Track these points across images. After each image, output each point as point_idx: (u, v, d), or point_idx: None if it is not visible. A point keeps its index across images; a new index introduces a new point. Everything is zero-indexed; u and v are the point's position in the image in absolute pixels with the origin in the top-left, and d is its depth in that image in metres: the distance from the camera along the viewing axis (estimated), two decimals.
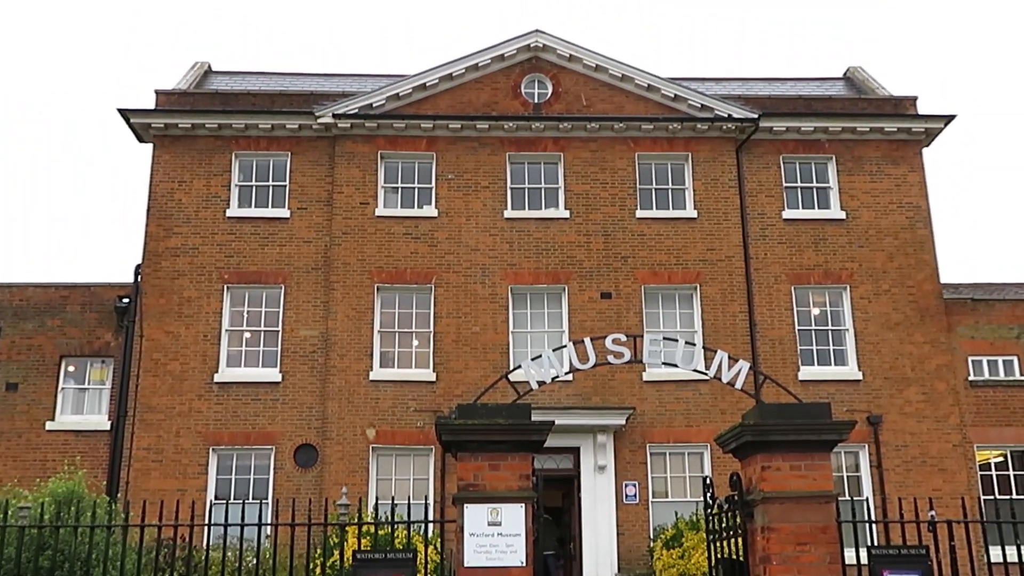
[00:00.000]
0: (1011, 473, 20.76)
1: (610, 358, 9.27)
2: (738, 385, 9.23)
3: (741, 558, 8.70)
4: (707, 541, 9.44)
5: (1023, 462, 20.94)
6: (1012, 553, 8.81)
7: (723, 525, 9.11)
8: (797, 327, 21.51)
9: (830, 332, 21.66)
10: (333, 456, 20.15)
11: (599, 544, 19.83)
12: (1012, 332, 21.58)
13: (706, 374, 9.29)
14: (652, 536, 19.42)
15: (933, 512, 9.06)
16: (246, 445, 20.38)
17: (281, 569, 12.44)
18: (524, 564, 8.23)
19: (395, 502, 9.13)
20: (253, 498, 19.59)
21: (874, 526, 18.55)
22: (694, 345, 9.44)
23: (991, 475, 20.81)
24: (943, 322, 21.52)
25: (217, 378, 20.74)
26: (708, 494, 9.31)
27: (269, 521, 15.40)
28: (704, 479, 9.53)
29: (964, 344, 21.48)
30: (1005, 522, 9.12)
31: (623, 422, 20.25)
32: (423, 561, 8.81)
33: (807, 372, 20.95)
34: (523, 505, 8.36)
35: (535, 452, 8.65)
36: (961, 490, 18.56)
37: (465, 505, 8.38)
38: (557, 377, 9.39)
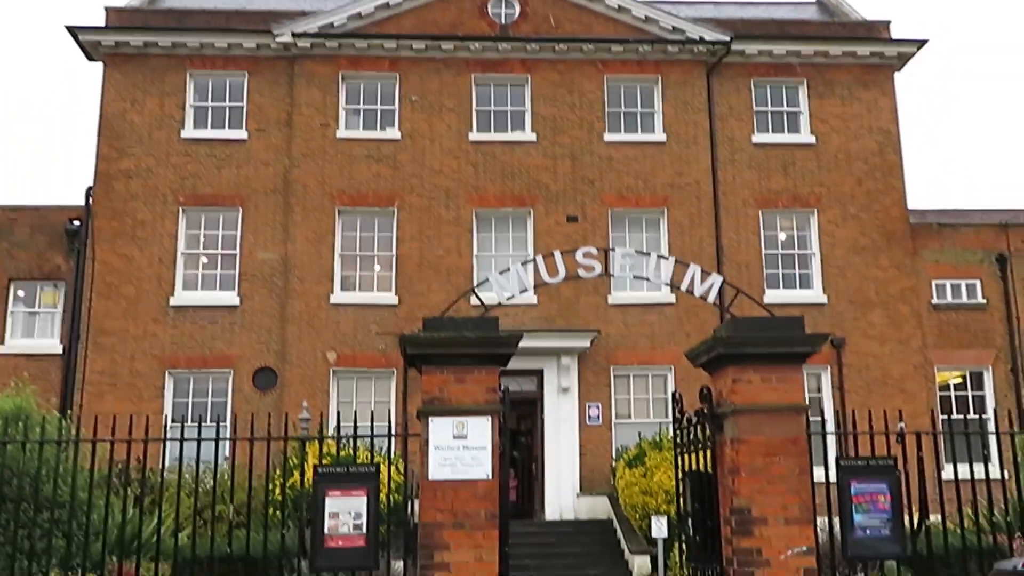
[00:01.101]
0: (969, 394, 21.03)
1: (580, 272, 9.00)
2: (710, 299, 9.02)
3: (709, 471, 8.58)
4: (675, 455, 9.31)
5: (981, 383, 21.21)
6: (976, 471, 8.78)
7: (691, 438, 8.98)
8: (764, 251, 21.43)
9: (796, 256, 21.61)
10: (293, 379, 19.90)
11: (561, 465, 19.87)
12: (976, 256, 21.65)
13: (678, 287, 9.06)
14: (615, 456, 19.48)
15: (902, 424, 9.00)
16: (203, 368, 20.06)
17: (240, 489, 12.21)
18: (490, 477, 8.04)
19: (357, 419, 8.85)
20: (211, 421, 19.25)
21: (838, 445, 18.68)
22: (666, 258, 9.19)
23: (950, 396, 21.07)
24: (909, 246, 21.54)
25: (173, 302, 20.31)
26: (676, 408, 9.17)
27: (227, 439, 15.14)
28: (673, 393, 9.38)
29: (929, 268, 21.55)
30: (972, 433, 9.10)
31: (587, 345, 20.15)
32: (385, 479, 8.61)
33: (773, 296, 20.86)
34: (489, 418, 8.14)
35: (502, 366, 8.41)
36: (921, 411, 18.68)
37: (430, 418, 8.15)
38: (525, 291, 9.13)
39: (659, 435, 18.25)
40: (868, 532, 8.19)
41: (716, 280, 8.98)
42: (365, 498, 8.16)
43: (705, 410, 8.68)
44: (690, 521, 8.74)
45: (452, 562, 7.86)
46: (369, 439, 8.90)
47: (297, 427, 17.68)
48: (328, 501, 8.14)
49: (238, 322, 20.35)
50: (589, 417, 20.20)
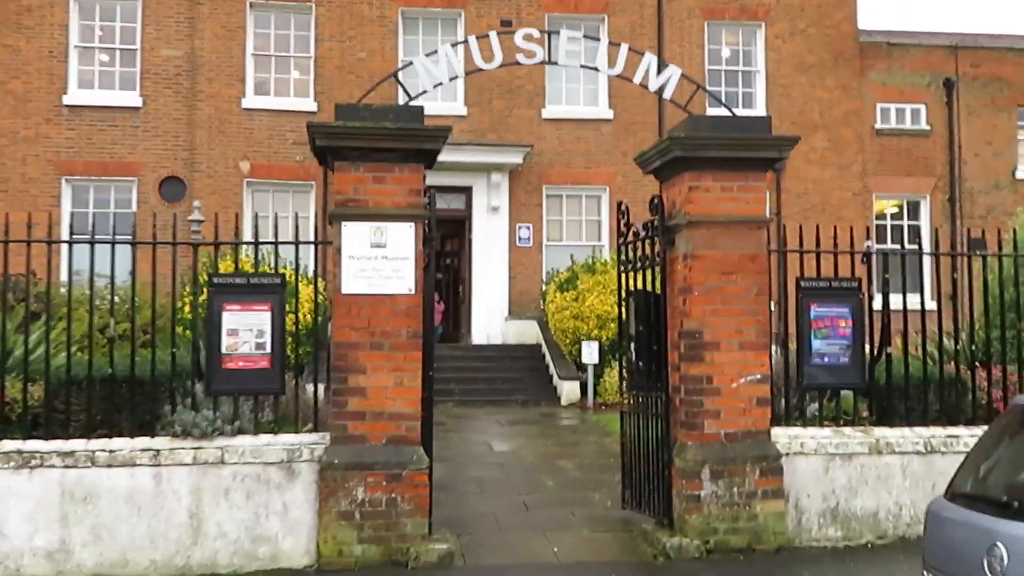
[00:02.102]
0: (905, 223, 20.63)
1: (519, 57, 7.78)
2: (667, 94, 7.93)
3: (657, 291, 7.72)
4: (618, 272, 8.43)
5: (917, 212, 20.81)
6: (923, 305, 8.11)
7: (638, 255, 8.07)
8: (707, 67, 20.24)
9: (740, 73, 20.47)
10: (203, 190, 18.45)
11: (490, 288, 19.10)
12: (924, 79, 20.81)
13: (630, 79, 7.92)
14: (545, 280, 18.75)
15: (870, 242, 8.25)
16: (104, 176, 18.47)
17: (145, 306, 11.11)
18: (412, 291, 7.05)
19: (257, 224, 7.72)
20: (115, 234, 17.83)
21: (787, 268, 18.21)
22: (617, 45, 7.99)
23: (886, 224, 20.67)
24: (856, 66, 20.55)
25: (67, 100, 18.43)
26: (622, 220, 8.20)
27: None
28: (619, 204, 8.39)
29: (875, 90, 20.68)
30: (956, 254, 8.41)
31: (520, 161, 19.02)
32: (295, 295, 7.58)
33: (714, 114, 19.81)
34: (412, 225, 7.08)
35: (427, 165, 7.28)
36: (859, 239, 18.19)
37: (343, 223, 7.05)
38: (455, 78, 7.90)
39: (592, 258, 17.49)
40: (826, 360, 7.51)
41: (674, 73, 7.87)
42: (269, 314, 7.14)
43: (656, 222, 7.73)
44: (633, 346, 7.94)
45: (369, 387, 6.95)
46: (274, 247, 7.81)
47: (190, 228, 16.36)
48: (226, 316, 7.10)
49: (141, 126, 18.64)
50: (519, 238, 19.31)
